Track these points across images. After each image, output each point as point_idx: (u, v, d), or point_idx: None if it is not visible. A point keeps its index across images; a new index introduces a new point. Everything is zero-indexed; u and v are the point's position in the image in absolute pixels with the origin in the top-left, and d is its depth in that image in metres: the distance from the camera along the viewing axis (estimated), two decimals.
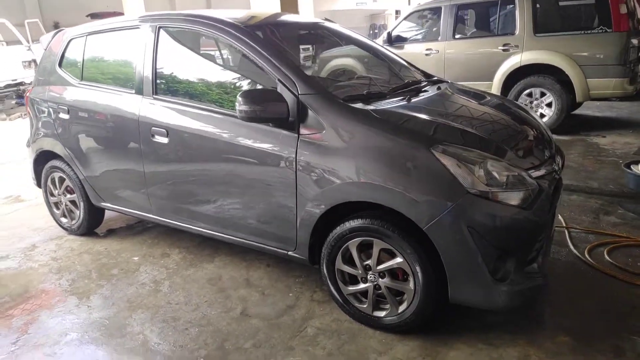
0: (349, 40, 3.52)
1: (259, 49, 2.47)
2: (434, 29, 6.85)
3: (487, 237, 2.01)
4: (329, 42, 3.68)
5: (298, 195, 2.37)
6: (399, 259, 2.18)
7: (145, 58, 2.89)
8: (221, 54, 2.85)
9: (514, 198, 2.06)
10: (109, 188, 3.28)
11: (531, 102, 6.09)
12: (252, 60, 2.49)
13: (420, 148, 2.07)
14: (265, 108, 2.26)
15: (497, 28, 6.35)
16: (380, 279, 2.28)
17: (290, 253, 2.55)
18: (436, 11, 6.77)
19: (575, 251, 3.03)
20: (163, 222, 3.10)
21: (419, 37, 7.06)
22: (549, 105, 5.97)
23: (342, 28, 3.51)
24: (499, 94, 6.25)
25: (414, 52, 6.83)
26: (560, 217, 3.51)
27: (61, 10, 16.85)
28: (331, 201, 2.27)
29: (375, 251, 2.25)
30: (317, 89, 2.35)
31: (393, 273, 2.26)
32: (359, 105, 2.31)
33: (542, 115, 6.07)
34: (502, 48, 6.10)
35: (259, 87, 2.53)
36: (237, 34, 2.55)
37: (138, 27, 2.97)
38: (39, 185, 3.82)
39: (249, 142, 2.47)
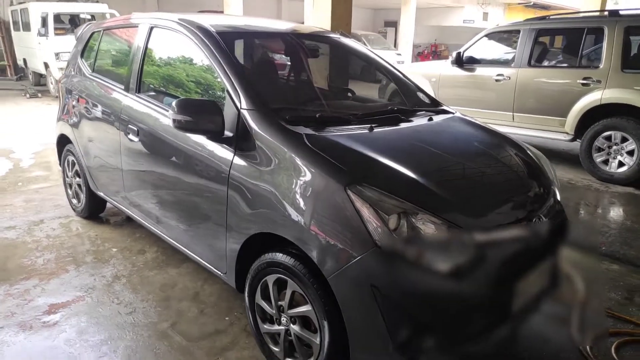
0: (358, 56, 3.27)
1: (217, 56, 2.33)
2: (509, 54, 6.25)
3: (395, 303, 1.67)
4: (340, 55, 3.46)
5: (228, 216, 2.19)
6: (307, 307, 1.91)
7: (136, 56, 2.91)
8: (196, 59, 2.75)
9: (440, 261, 1.70)
10: (101, 178, 3.36)
11: (609, 147, 5.26)
12: (213, 68, 2.37)
13: (337, 185, 1.79)
14: (198, 119, 2.12)
15: (578, 59, 5.58)
16: (291, 325, 2.02)
17: (222, 276, 2.39)
18: (514, 34, 6.16)
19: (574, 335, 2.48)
20: (134, 218, 3.10)
21: (492, 60, 6.48)
22: (630, 153, 5.11)
23: (356, 43, 3.26)
24: (572, 132, 5.53)
25: (484, 77, 6.30)
26: (580, 287, 2.93)
27: (177, 7, 18.18)
28: (253, 228, 2.07)
29: (288, 292, 2.00)
30: (258, 105, 2.15)
31: (306, 321, 1.99)
32: (297, 129, 2.08)
33: (620, 164, 5.23)
34: (582, 82, 5.36)
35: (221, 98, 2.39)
36: (204, 39, 2.43)
37: (136, 26, 3.00)
38: (60, 164, 4.06)
39: (192, 151, 2.35)
